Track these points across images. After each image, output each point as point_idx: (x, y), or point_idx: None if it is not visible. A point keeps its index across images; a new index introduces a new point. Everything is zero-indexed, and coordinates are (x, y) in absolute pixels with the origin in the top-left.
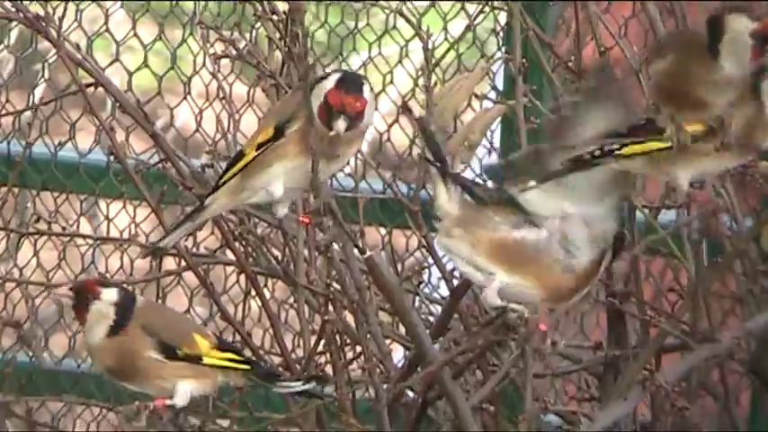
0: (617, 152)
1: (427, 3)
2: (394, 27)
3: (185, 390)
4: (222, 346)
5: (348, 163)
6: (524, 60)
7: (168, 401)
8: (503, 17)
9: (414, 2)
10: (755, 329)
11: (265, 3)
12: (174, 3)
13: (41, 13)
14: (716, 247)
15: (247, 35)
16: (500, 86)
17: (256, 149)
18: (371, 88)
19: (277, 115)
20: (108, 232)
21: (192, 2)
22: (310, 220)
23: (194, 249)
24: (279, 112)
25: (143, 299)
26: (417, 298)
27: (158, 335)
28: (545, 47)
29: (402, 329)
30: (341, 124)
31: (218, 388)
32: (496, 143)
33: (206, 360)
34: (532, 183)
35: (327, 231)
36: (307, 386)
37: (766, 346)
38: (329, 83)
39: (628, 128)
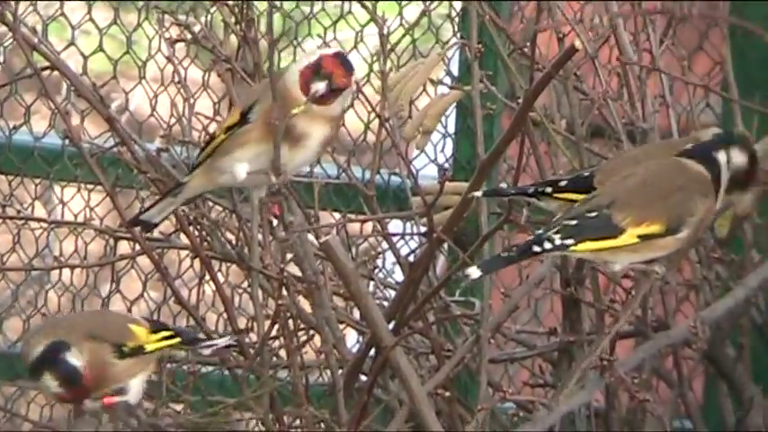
0: (571, 248)
1: None
2: (349, 12)
3: (137, 386)
4: (154, 327)
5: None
6: (480, 46)
7: (121, 398)
8: (457, 3)
9: None
10: (710, 317)
11: None
12: None
13: None
14: None
15: (203, 19)
16: (455, 72)
17: (225, 133)
18: (357, 83)
19: (246, 98)
20: (62, 216)
21: None
22: (281, 211)
23: (148, 233)
24: (248, 95)
25: (67, 316)
26: (372, 282)
27: (105, 338)
28: (501, 32)
29: (356, 314)
30: (321, 86)
31: (172, 372)
32: (451, 129)
33: (148, 347)
34: None
35: (289, 224)
36: (230, 341)
37: (721, 334)
38: (326, 51)
39: (570, 178)
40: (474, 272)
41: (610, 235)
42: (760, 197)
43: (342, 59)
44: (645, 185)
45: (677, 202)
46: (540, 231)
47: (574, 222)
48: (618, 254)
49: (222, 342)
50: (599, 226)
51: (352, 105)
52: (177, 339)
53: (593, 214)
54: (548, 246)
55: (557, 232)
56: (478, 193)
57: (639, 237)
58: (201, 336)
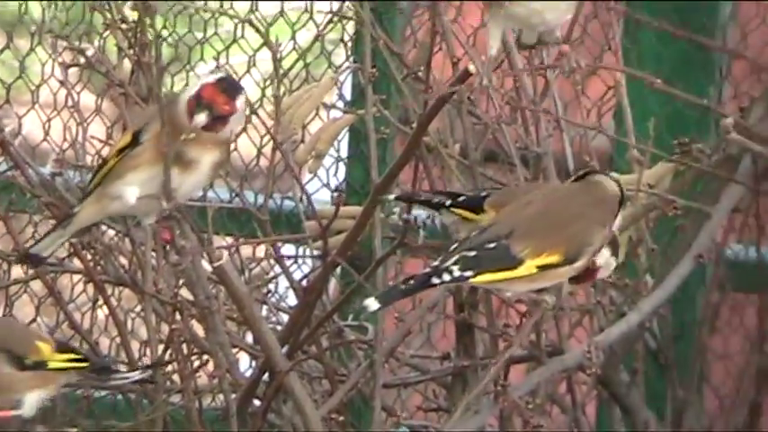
0: (471, 279)
1: (275, 12)
2: (242, 36)
3: (34, 400)
4: (61, 347)
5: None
6: (374, 70)
7: (15, 412)
8: (350, 27)
9: (262, 11)
10: (604, 342)
11: (114, 11)
12: (22, 11)
13: None
14: None
15: (96, 44)
16: (348, 96)
17: (117, 155)
18: (249, 102)
19: (139, 120)
20: None
21: (41, 10)
22: (171, 236)
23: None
24: (141, 116)
25: None
26: (266, 307)
27: (5, 347)
28: (394, 56)
29: (249, 338)
30: (201, 117)
31: (65, 396)
32: (344, 153)
33: (51, 365)
34: None
35: (182, 248)
36: (143, 374)
37: (615, 358)
38: (208, 80)
39: (469, 195)
40: (372, 303)
41: (508, 266)
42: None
43: (223, 87)
44: (544, 214)
45: (576, 231)
46: (437, 263)
47: (473, 254)
48: (514, 283)
49: (135, 375)
50: (498, 257)
51: (245, 129)
52: (85, 365)
53: (492, 245)
54: (447, 277)
55: (455, 263)
56: (391, 197)
57: (538, 267)
58: (113, 365)
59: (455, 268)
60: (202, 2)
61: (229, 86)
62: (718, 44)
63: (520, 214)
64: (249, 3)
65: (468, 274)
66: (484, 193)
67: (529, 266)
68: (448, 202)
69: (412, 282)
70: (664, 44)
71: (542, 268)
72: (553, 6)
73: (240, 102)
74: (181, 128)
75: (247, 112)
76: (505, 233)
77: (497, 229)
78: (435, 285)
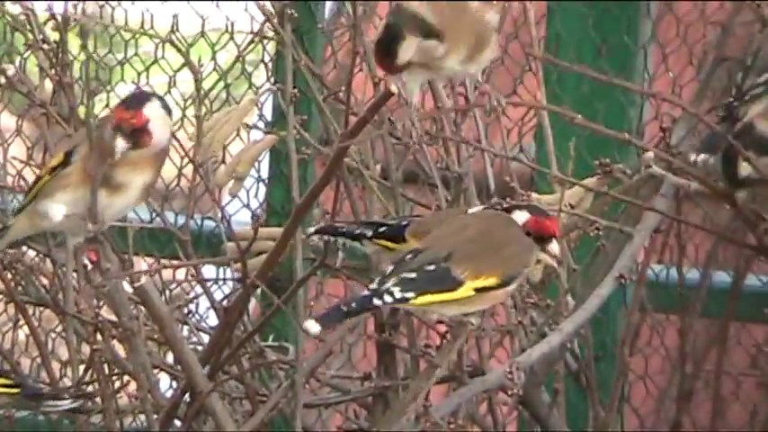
0: (411, 301)
1: (196, 32)
2: (162, 57)
3: None
4: None
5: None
6: (295, 91)
7: None
8: (271, 48)
9: (183, 31)
10: (526, 362)
11: (36, 31)
12: None
13: None
14: None
15: (17, 63)
16: (268, 117)
17: (50, 173)
18: (166, 107)
19: (71, 140)
20: None
21: None
22: (97, 257)
23: None
24: (74, 136)
25: None
26: (187, 327)
27: None
28: (315, 77)
29: (170, 358)
30: (119, 144)
31: None
32: (264, 174)
33: None
34: None
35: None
36: (74, 404)
37: (536, 379)
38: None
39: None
40: (312, 326)
41: (449, 288)
42: (577, 240)
43: (127, 103)
44: (481, 237)
45: (512, 254)
46: (376, 285)
47: (413, 275)
48: (451, 306)
49: (66, 405)
50: (438, 279)
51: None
52: (16, 390)
53: (432, 267)
54: (388, 299)
55: (396, 285)
56: (311, 229)
57: (475, 290)
58: (44, 391)
59: (396, 290)
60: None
61: (133, 99)
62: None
63: (457, 237)
64: (170, 23)
65: (410, 295)
66: (404, 222)
67: (468, 288)
68: (369, 233)
69: (353, 304)
70: (584, 64)
71: (480, 290)
72: (478, 61)
73: (151, 108)
74: (109, 150)
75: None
76: (444, 255)
77: (435, 252)
78: (377, 307)
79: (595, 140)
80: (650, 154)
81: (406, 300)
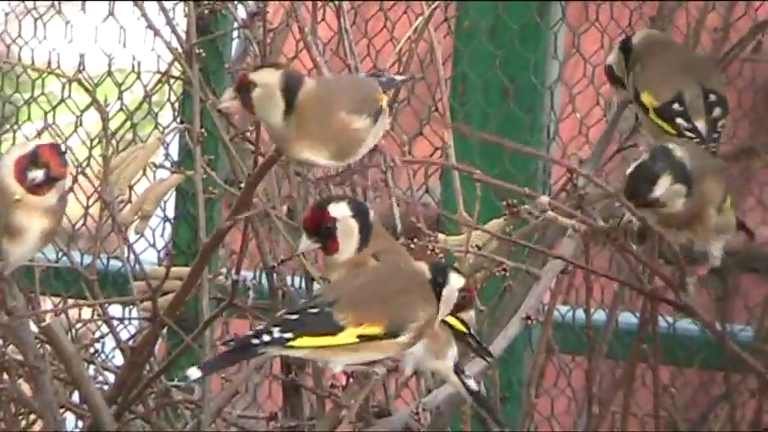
0: (289, 342)
1: (103, 72)
2: (69, 96)
3: None
4: None
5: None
6: (203, 130)
7: None
8: (177, 87)
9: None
10: (432, 403)
11: None
12: None
13: None
14: None
15: None
16: (175, 156)
17: None
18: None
19: None
20: None
21: None
22: (2, 297)
23: None
24: None
25: None
26: (93, 367)
27: None
28: (222, 117)
29: (76, 398)
30: (38, 173)
31: None
32: (170, 213)
33: None
34: None
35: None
36: None
37: (442, 420)
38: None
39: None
40: (194, 372)
41: (328, 332)
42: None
43: (57, 150)
44: (370, 286)
45: (399, 305)
46: (260, 327)
47: (294, 317)
48: (338, 354)
49: None
50: (319, 322)
51: (72, 188)
52: None
53: (315, 310)
54: (266, 338)
55: (276, 325)
56: None
57: (359, 337)
58: None
59: (275, 330)
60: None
61: (62, 152)
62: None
63: (347, 284)
64: (76, 62)
65: (288, 335)
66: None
67: (350, 334)
68: None
69: (233, 343)
70: (491, 104)
71: (363, 338)
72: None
73: (67, 169)
74: (6, 194)
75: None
76: (330, 301)
77: (324, 297)
78: (256, 347)
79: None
80: (545, 198)
81: (284, 340)
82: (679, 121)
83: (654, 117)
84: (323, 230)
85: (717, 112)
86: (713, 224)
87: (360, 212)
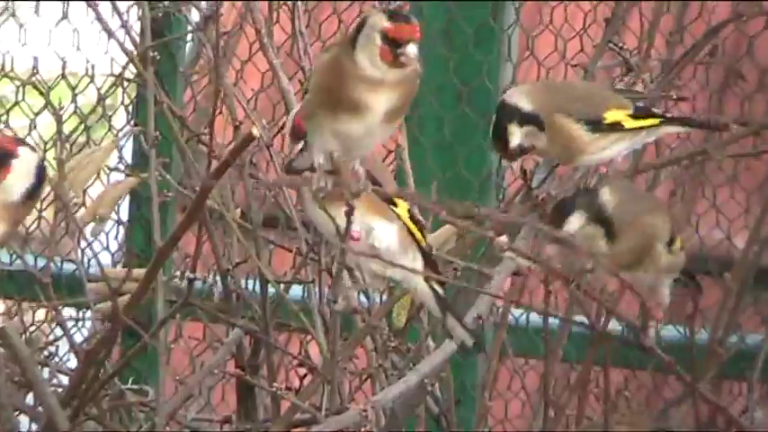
0: None
1: (57, 75)
2: (23, 99)
3: None
4: None
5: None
6: (157, 133)
7: None
8: (130, 91)
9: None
10: (382, 401)
11: None
12: None
13: None
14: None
15: None
16: (129, 159)
17: None
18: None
19: None
20: None
21: None
22: None
23: None
24: None
25: None
26: (47, 369)
27: None
28: (177, 119)
29: (30, 400)
30: None
31: None
32: (124, 216)
33: None
34: None
35: None
36: None
37: (396, 423)
38: None
39: None
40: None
41: None
42: None
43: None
44: None
45: None
46: None
47: None
48: None
49: None
50: None
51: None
52: None
53: None
54: None
55: None
56: None
57: None
58: None
59: None
60: None
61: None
62: None
63: None
64: (30, 65)
65: None
66: None
67: None
68: None
69: None
70: (445, 108)
71: None
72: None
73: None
74: None
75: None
76: None
77: None
78: None
79: (456, 183)
80: (503, 238)
81: None
82: None
83: None
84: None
85: None
86: (663, 262)
87: None
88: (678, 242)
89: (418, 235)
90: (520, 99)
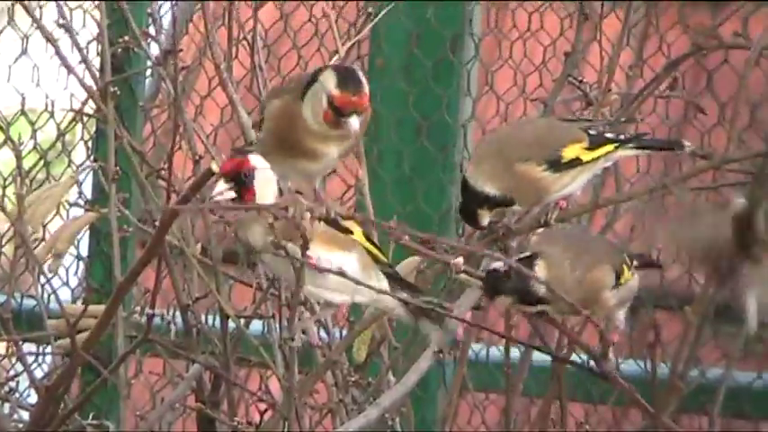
0: None
1: (17, 110)
2: None
3: None
4: None
5: None
6: (117, 168)
7: None
8: (90, 126)
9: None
10: None
11: None
12: None
13: None
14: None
15: None
16: (88, 194)
17: None
18: None
19: None
20: None
21: None
22: None
23: None
24: None
25: None
26: (8, 405)
27: None
28: (136, 154)
29: None
30: None
31: None
32: (84, 252)
33: None
34: None
35: None
36: None
37: None
38: None
39: None
40: None
41: None
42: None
43: None
44: None
45: None
46: None
47: None
48: None
49: None
50: None
51: None
52: None
53: None
54: None
55: None
56: None
57: None
58: None
59: None
60: None
61: None
62: None
63: None
64: None
65: None
66: None
67: None
68: None
69: None
70: (404, 142)
71: None
72: None
73: None
74: None
75: None
76: None
77: None
78: None
79: (416, 218)
80: (459, 259)
81: None
82: None
83: None
84: (240, 178)
85: None
86: (611, 303)
87: None
88: (626, 274)
89: (379, 256)
90: (485, 184)
